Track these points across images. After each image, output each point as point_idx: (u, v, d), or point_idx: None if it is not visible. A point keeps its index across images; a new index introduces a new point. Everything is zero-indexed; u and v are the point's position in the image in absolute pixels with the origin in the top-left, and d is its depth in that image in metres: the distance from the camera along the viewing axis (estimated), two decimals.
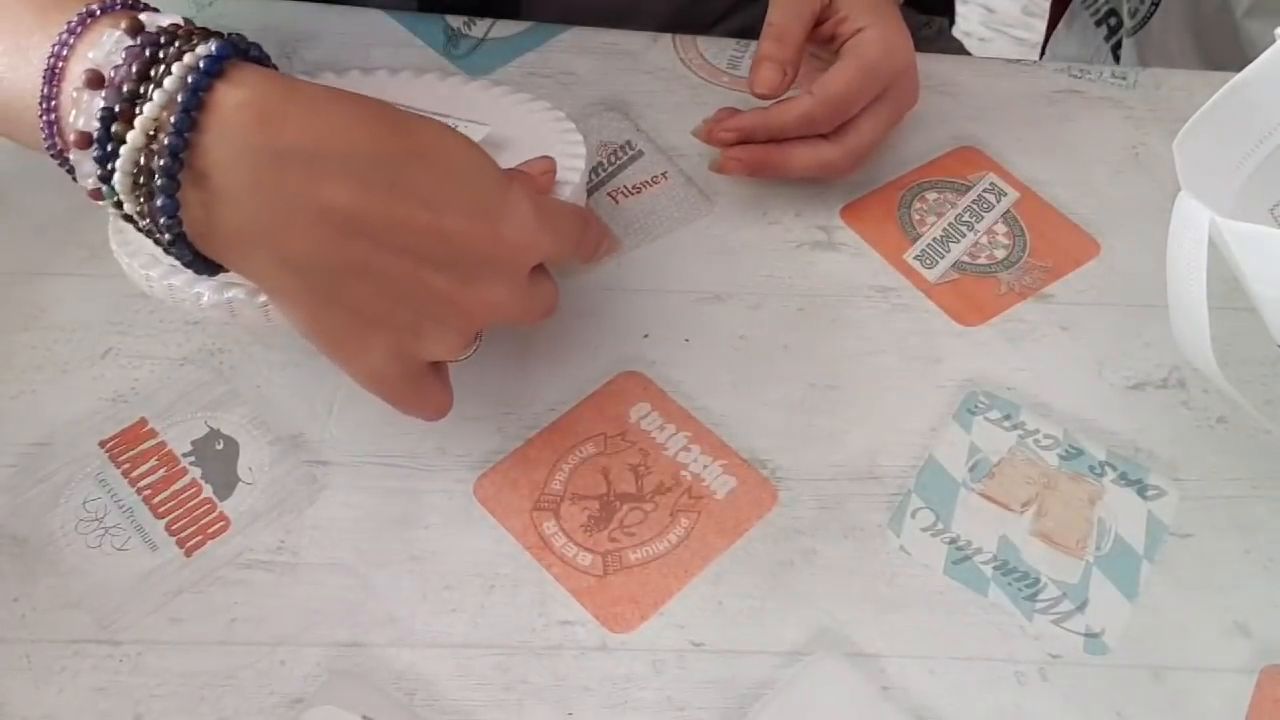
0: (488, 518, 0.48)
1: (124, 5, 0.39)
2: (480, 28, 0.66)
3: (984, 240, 0.58)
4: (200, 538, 0.47)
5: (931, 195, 0.60)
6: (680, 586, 0.47)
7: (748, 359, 0.53)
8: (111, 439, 0.49)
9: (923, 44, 0.81)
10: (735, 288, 0.56)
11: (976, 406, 0.52)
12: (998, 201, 0.59)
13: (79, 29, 0.38)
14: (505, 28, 0.66)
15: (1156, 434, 0.52)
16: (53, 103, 0.38)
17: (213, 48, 0.37)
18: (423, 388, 0.44)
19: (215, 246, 0.39)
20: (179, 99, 0.36)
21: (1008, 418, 0.51)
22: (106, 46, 0.37)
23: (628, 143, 0.61)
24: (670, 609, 0.46)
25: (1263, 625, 0.46)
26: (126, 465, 0.49)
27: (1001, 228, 0.58)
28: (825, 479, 0.50)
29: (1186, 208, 0.46)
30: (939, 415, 0.52)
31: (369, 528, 0.48)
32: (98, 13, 0.38)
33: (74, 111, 0.37)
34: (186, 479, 0.48)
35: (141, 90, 0.37)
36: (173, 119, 0.36)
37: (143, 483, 0.48)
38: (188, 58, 0.37)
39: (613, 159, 0.60)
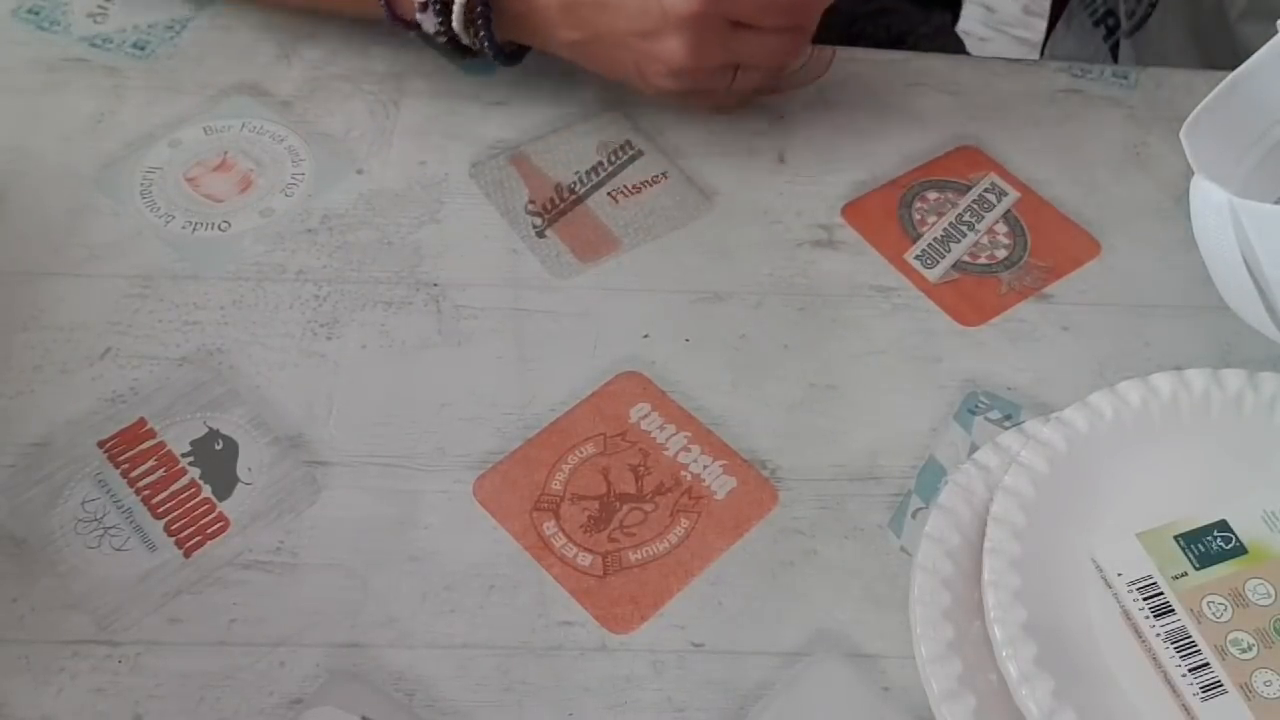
0: (487, 518, 0.48)
1: None
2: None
3: (985, 240, 0.58)
4: (199, 538, 0.47)
5: (932, 195, 0.59)
6: (680, 587, 0.47)
7: (748, 359, 0.53)
8: (110, 439, 0.49)
9: (922, 41, 0.81)
10: (735, 288, 0.56)
11: (977, 406, 0.52)
12: (998, 201, 0.59)
13: None
14: None
15: None
16: None
17: None
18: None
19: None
20: None
21: (1008, 418, 0.51)
22: None
23: (627, 142, 0.61)
24: (670, 609, 0.46)
25: None
26: (125, 465, 0.48)
27: (1002, 228, 0.58)
28: (825, 479, 0.50)
29: (1203, 188, 0.45)
30: (939, 415, 0.52)
31: (368, 528, 0.48)
32: None
33: None
34: (185, 479, 0.48)
35: None
36: None
37: (142, 483, 0.48)
38: None
39: (613, 159, 0.60)
